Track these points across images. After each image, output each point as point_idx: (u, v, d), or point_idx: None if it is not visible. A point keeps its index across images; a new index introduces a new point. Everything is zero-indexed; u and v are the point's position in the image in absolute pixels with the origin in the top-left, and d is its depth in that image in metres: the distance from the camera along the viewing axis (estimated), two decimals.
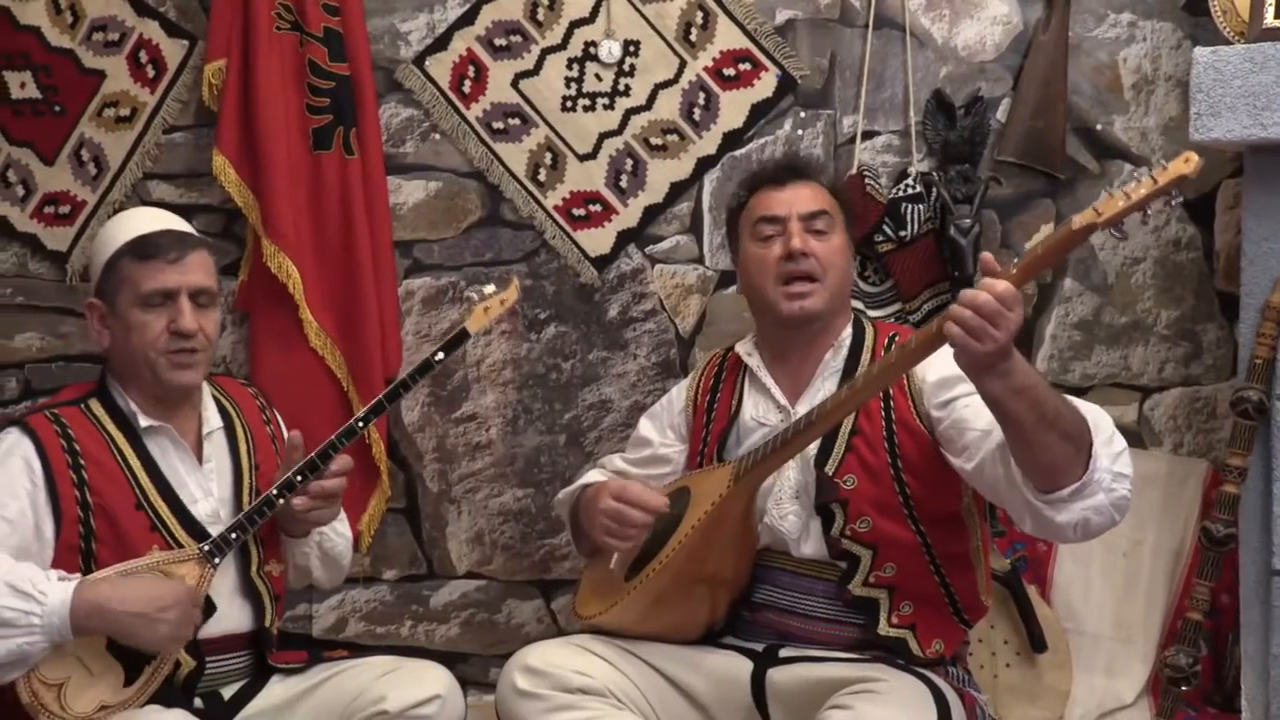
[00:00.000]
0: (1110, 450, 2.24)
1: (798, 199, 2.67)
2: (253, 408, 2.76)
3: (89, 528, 2.43)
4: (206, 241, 2.68)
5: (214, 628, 2.51)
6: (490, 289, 2.76)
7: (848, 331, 2.70)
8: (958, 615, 2.59)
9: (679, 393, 2.92)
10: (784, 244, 2.63)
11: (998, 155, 3.38)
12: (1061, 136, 3.36)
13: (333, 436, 2.56)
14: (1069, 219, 2.08)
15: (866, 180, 3.31)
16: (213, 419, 2.65)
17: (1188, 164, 2.00)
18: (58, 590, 2.29)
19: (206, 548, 2.47)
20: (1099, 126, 3.40)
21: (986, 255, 2.13)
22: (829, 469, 2.54)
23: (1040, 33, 3.37)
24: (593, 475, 2.93)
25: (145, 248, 2.53)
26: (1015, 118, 3.38)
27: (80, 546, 2.43)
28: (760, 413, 2.71)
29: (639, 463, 2.88)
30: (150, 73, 3.47)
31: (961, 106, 3.36)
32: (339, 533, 2.83)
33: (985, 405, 2.21)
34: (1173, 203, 2.06)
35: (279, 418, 2.84)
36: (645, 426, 2.94)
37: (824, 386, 2.62)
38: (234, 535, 2.49)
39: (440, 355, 2.67)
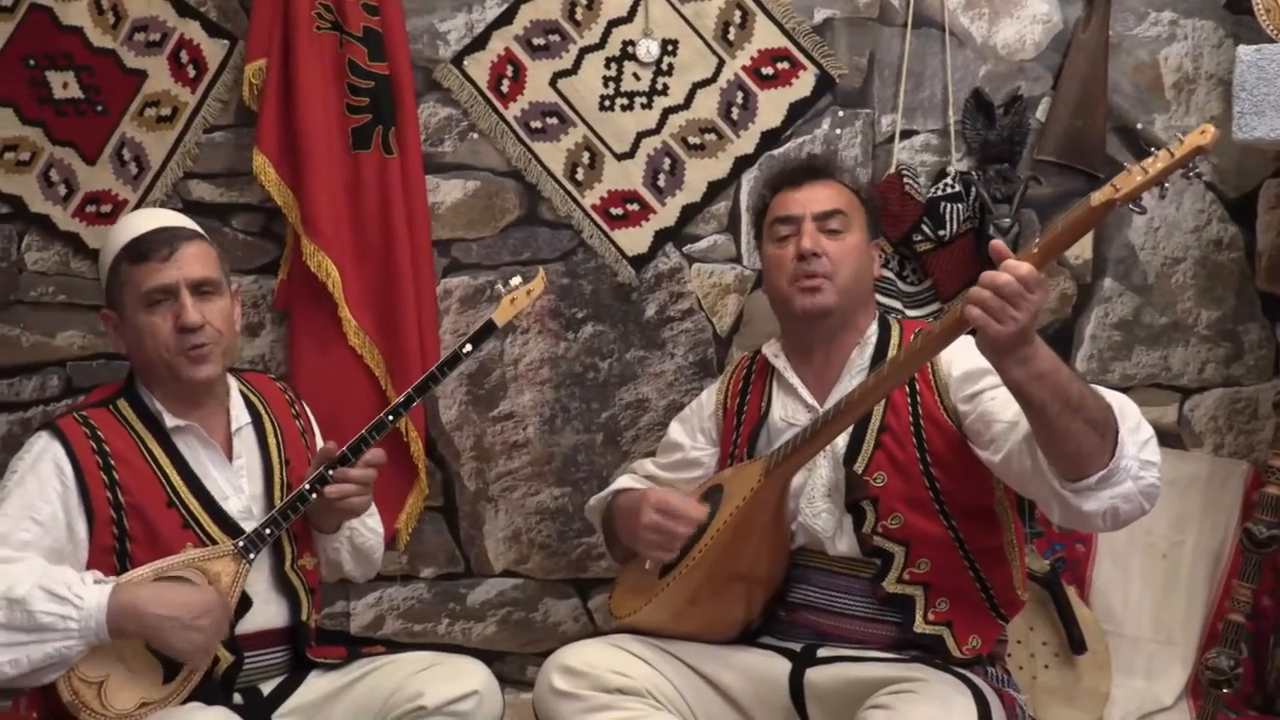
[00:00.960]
0: (1137, 438, 2.22)
1: (813, 199, 2.69)
2: (281, 402, 2.78)
3: (122, 528, 2.45)
4: (200, 233, 2.66)
5: (250, 623, 2.53)
6: (517, 281, 2.76)
7: (873, 329, 2.71)
8: (994, 610, 2.59)
9: (708, 396, 2.93)
10: (797, 244, 2.65)
11: (1037, 155, 3.37)
12: (1102, 136, 3.34)
13: (363, 430, 2.57)
14: (1087, 196, 2.07)
15: (905, 180, 3.30)
16: (240, 415, 2.66)
17: (1204, 136, 1.99)
18: (94, 594, 2.31)
19: (241, 544, 2.48)
20: (1139, 126, 3.38)
21: (996, 242, 2.12)
22: (858, 466, 2.55)
23: (1080, 31, 3.36)
24: (624, 481, 2.94)
25: (138, 248, 2.53)
26: (1055, 117, 3.36)
27: (115, 547, 2.45)
28: (789, 413, 2.72)
29: (670, 467, 2.89)
30: (191, 72, 3.49)
31: (1001, 105, 3.35)
32: (370, 527, 2.84)
33: (1010, 395, 2.20)
34: (1191, 175, 2.04)
35: (308, 411, 2.85)
36: (676, 431, 2.95)
37: (851, 384, 2.61)
38: (268, 531, 2.51)
39: (468, 348, 2.67)
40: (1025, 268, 2.04)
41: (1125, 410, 2.25)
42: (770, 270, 2.75)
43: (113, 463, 2.47)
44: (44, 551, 2.38)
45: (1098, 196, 2.04)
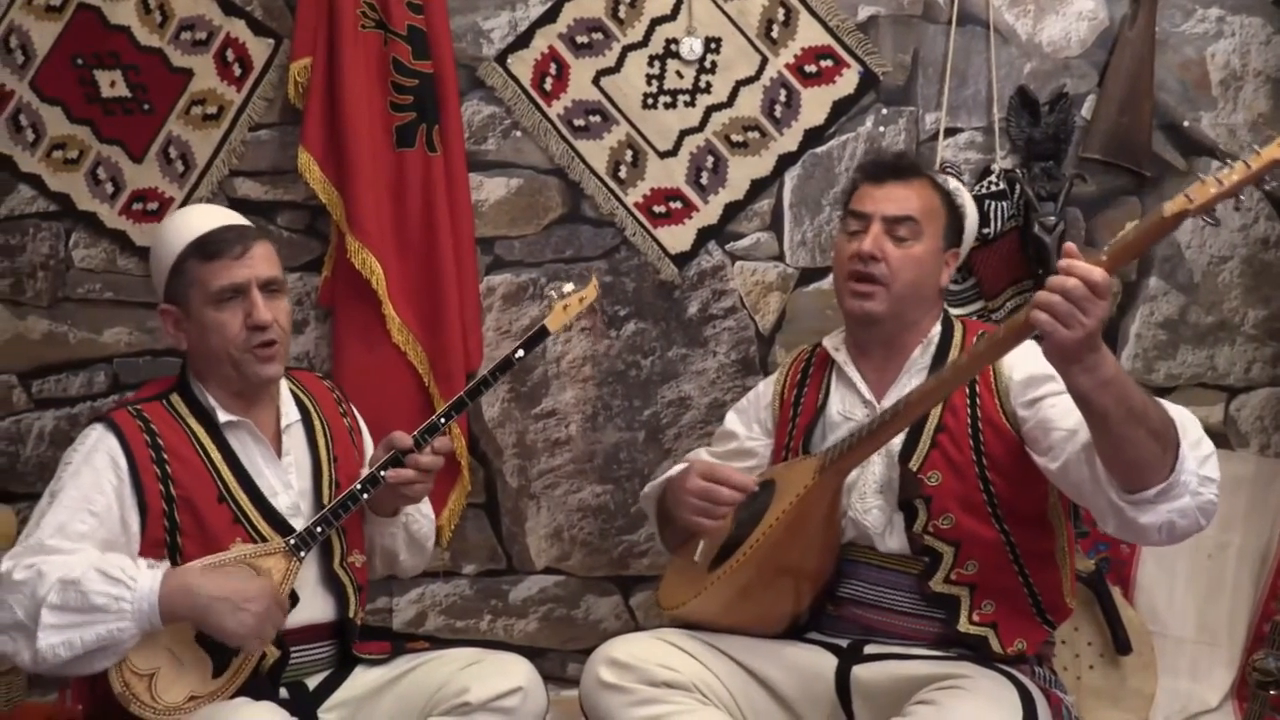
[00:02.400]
0: (1198, 453, 2.20)
1: (888, 200, 2.64)
2: (329, 401, 2.78)
3: (173, 521, 2.45)
4: (267, 232, 2.69)
5: (297, 618, 2.53)
6: (570, 287, 2.76)
7: (936, 329, 2.68)
8: (1041, 616, 2.56)
9: (766, 387, 2.91)
10: (859, 243, 2.62)
11: (1083, 152, 3.35)
12: (1148, 133, 3.33)
13: (416, 432, 2.57)
14: (1160, 206, 2.03)
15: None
16: (290, 412, 2.67)
17: None
18: (147, 577, 2.32)
19: (292, 542, 2.49)
20: (1186, 123, 3.36)
21: (1069, 245, 2.08)
22: (914, 465, 2.53)
23: (1127, 28, 3.34)
24: (678, 469, 2.93)
25: (209, 246, 2.53)
26: (1101, 114, 3.35)
27: (165, 540, 2.45)
28: (846, 407, 2.70)
29: (724, 456, 2.88)
30: (237, 71, 3.51)
31: (1046, 103, 3.34)
32: (424, 514, 2.85)
33: (1072, 403, 2.18)
34: (1266, 187, 2.02)
35: (355, 411, 2.86)
36: (731, 420, 2.93)
37: (911, 383, 2.60)
38: (319, 530, 2.52)
39: (520, 353, 2.68)
40: (1097, 272, 2.00)
41: (1187, 425, 2.22)
42: (835, 260, 2.73)
43: (165, 456, 2.48)
44: (99, 543, 2.39)
45: (1170, 207, 2.00)
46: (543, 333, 2.71)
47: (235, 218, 2.65)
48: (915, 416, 2.45)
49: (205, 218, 2.62)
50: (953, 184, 3.05)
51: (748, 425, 2.88)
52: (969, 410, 2.54)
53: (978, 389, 2.54)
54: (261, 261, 2.54)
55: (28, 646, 2.29)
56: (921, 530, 2.51)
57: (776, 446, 2.80)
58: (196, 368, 2.61)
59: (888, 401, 2.59)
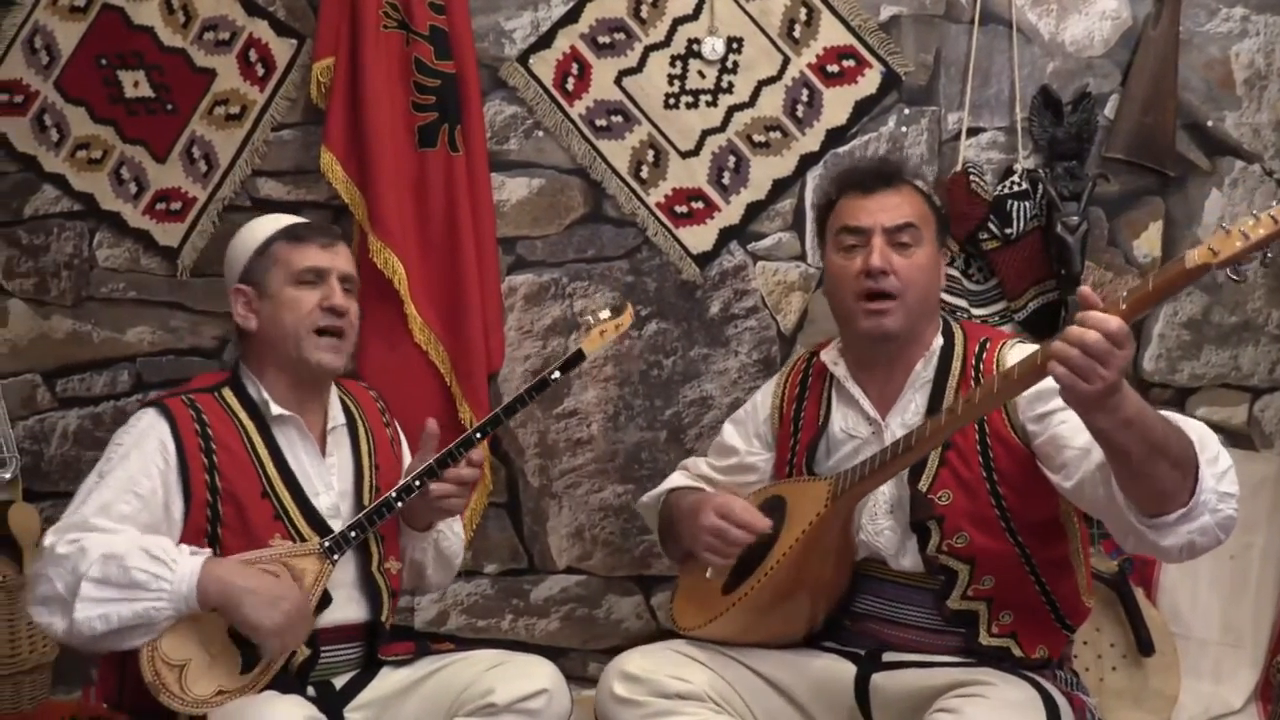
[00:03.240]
0: (1215, 469, 2.15)
1: (883, 210, 2.59)
2: (374, 410, 2.81)
3: (215, 512, 2.47)
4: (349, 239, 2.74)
5: (329, 618, 2.54)
6: (606, 314, 2.77)
7: (938, 341, 2.63)
8: (1060, 621, 2.54)
9: (763, 399, 2.87)
10: (865, 259, 2.56)
11: (1106, 152, 3.35)
12: (1171, 133, 3.32)
13: (450, 446, 2.59)
14: (1182, 255, 1.96)
15: (971, 177, 3.29)
16: (337, 415, 2.70)
17: None
18: (188, 560, 2.34)
19: (327, 544, 2.50)
20: (1210, 123, 3.35)
21: (1085, 290, 2.02)
22: (923, 485, 2.50)
23: (1150, 27, 3.33)
24: (676, 478, 2.91)
25: (299, 230, 2.66)
26: (1124, 114, 3.34)
27: (207, 530, 2.47)
28: (849, 424, 2.66)
29: (726, 470, 2.86)
30: (260, 71, 3.52)
31: (1069, 103, 3.33)
32: (455, 532, 2.87)
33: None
34: None
35: (398, 424, 2.88)
36: (730, 434, 2.89)
37: (914, 398, 2.58)
38: (353, 534, 2.53)
39: (556, 374, 2.70)
40: (1115, 323, 1.93)
41: (1205, 441, 2.17)
42: (834, 280, 2.65)
43: (214, 447, 2.50)
44: (141, 526, 2.41)
45: (1193, 257, 1.94)
46: (579, 356, 2.75)
47: None
48: (927, 450, 2.42)
49: (292, 219, 2.74)
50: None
51: (747, 440, 2.85)
52: (977, 427, 2.48)
53: None
54: (344, 258, 2.67)
55: (64, 618, 2.31)
56: (936, 550, 2.48)
57: (779, 462, 2.77)
58: (256, 355, 2.64)
59: (892, 417, 2.57)
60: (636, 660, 2.55)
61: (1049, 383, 2.22)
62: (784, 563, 2.48)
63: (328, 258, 2.61)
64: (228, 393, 2.61)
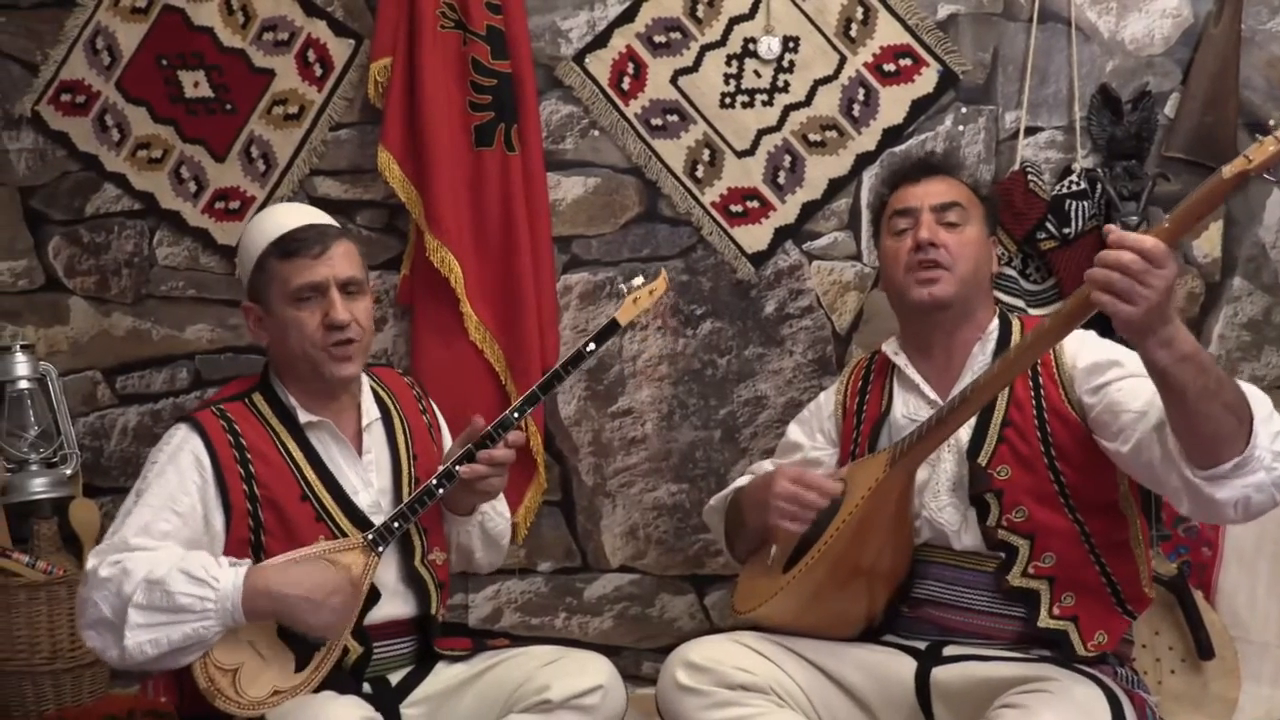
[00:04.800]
0: (1270, 429, 2.15)
1: (930, 192, 2.67)
2: (409, 398, 2.80)
3: (257, 520, 2.48)
4: (348, 231, 2.71)
5: (379, 614, 2.55)
6: (639, 281, 2.76)
7: (994, 325, 2.67)
8: (1121, 606, 2.53)
9: (827, 397, 2.91)
10: (914, 235, 2.63)
11: (1165, 151, 3.32)
12: (1233, 132, 3.28)
13: (489, 427, 2.58)
14: (1219, 168, 1.99)
15: (1029, 177, 3.26)
16: (371, 410, 2.69)
17: None
18: (229, 575, 2.35)
19: (370, 537, 2.51)
20: (1272, 121, 3.26)
21: (1110, 226, 2.05)
22: (982, 460, 2.52)
23: (1211, 26, 3.30)
24: (743, 480, 2.93)
25: (288, 245, 2.54)
26: (1184, 113, 3.31)
27: (250, 539, 2.48)
28: (911, 410, 2.69)
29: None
30: (318, 71, 3.55)
31: (1128, 101, 3.30)
32: (500, 512, 2.86)
33: (1139, 386, 2.17)
34: None
35: (435, 407, 2.88)
36: (794, 431, 2.92)
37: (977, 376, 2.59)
38: (395, 525, 2.53)
39: (592, 346, 2.67)
40: (1148, 241, 1.95)
41: (1257, 399, 2.18)
42: (887, 263, 2.73)
43: (249, 456, 2.51)
44: (182, 542, 2.42)
45: (1229, 169, 1.97)
46: (613, 326, 2.70)
47: (319, 216, 2.67)
48: (982, 402, 2.43)
49: (289, 216, 2.64)
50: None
51: (810, 436, 2.88)
52: (1034, 402, 2.52)
53: (1041, 380, 2.53)
54: (341, 261, 2.56)
55: (115, 644, 2.32)
56: (995, 524, 2.50)
57: (842, 454, 2.79)
58: (277, 366, 2.63)
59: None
60: (701, 649, 2.55)
61: (1104, 355, 2.23)
62: (841, 533, 2.48)
63: (323, 269, 2.52)
64: (258, 398, 2.60)
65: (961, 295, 2.61)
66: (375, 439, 2.67)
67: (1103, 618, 2.50)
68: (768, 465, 2.94)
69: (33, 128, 3.65)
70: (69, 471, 3.61)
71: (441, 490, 2.56)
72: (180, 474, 2.46)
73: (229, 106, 3.58)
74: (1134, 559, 2.57)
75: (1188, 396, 2.07)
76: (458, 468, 2.55)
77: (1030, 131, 3.39)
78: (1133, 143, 3.28)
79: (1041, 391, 2.53)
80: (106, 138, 3.62)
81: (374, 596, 2.53)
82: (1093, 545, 2.50)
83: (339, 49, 3.55)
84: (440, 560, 2.69)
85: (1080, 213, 3.25)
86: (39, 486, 3.55)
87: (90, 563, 2.38)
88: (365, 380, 2.71)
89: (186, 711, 2.53)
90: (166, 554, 2.36)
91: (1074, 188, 3.27)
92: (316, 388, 2.59)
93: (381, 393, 2.74)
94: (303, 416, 2.57)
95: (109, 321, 3.67)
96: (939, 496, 2.57)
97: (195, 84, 3.58)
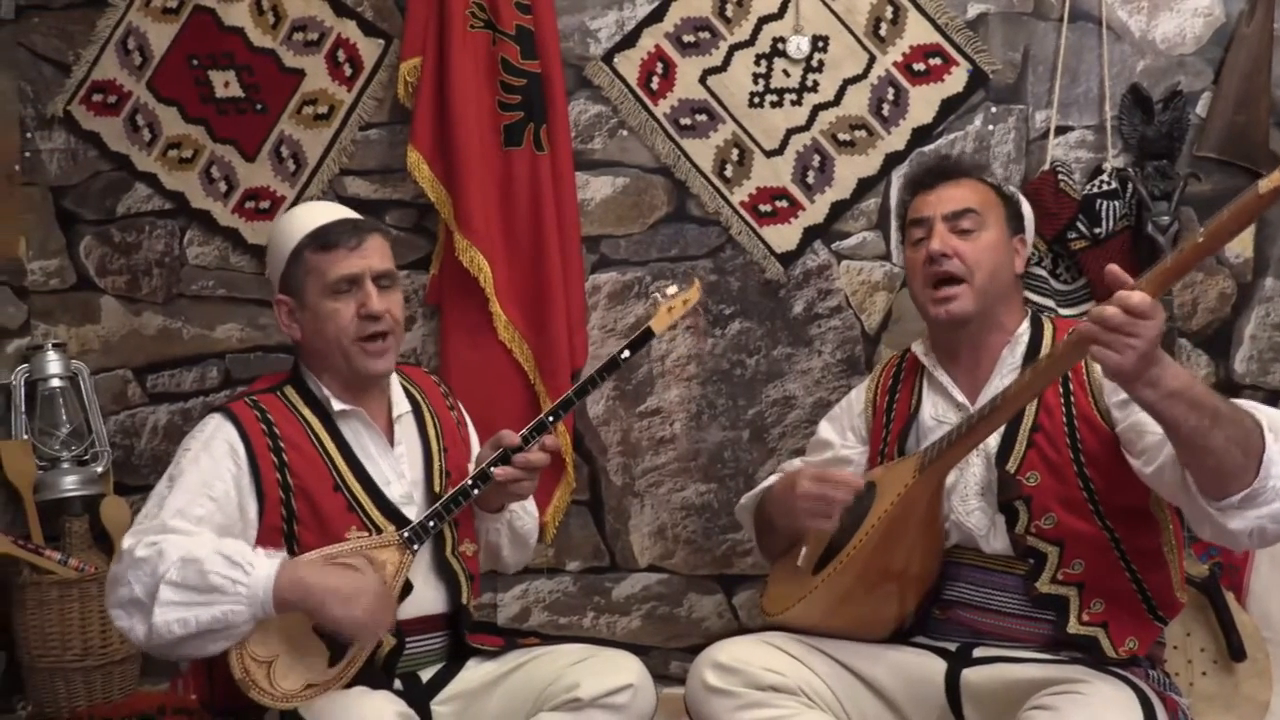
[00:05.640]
0: None
1: (942, 200, 2.65)
2: (437, 394, 2.82)
3: (290, 509, 2.49)
4: (380, 226, 2.73)
5: (411, 608, 2.56)
6: (673, 289, 2.76)
7: (1024, 327, 2.66)
8: (1152, 612, 2.52)
9: (858, 395, 2.90)
10: (927, 246, 2.62)
11: (1197, 151, 3.31)
12: (1265, 131, 3.27)
13: (524, 430, 2.59)
14: (1254, 184, 1.97)
15: (1060, 177, 3.26)
16: (401, 403, 2.70)
17: None
18: (264, 564, 2.35)
19: (406, 535, 2.52)
20: None
21: (1111, 268, 2.08)
22: (1010, 466, 2.51)
23: (1244, 25, 3.29)
24: (773, 480, 2.92)
25: (325, 237, 2.57)
26: (1216, 112, 3.30)
27: (283, 528, 2.49)
28: (939, 412, 2.68)
29: (820, 465, 2.85)
30: (347, 71, 3.56)
31: (1160, 101, 3.29)
32: (528, 511, 2.87)
33: None
34: None
35: (461, 405, 2.89)
36: (825, 429, 2.92)
37: (1003, 383, 2.57)
38: (431, 524, 2.54)
39: (626, 353, 2.68)
40: (1135, 297, 2.00)
41: (1275, 424, 2.17)
42: (908, 273, 2.74)
43: (282, 445, 2.52)
44: (216, 527, 2.42)
45: (1265, 184, 1.95)
46: (648, 334, 2.72)
47: (351, 213, 2.69)
48: (1011, 413, 2.43)
49: (322, 212, 2.67)
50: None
51: (841, 434, 2.87)
52: (1064, 409, 2.51)
53: (1071, 387, 2.52)
54: (375, 254, 2.58)
55: (143, 622, 2.32)
56: (1024, 531, 2.49)
57: (871, 453, 2.79)
58: (309, 359, 2.64)
59: (981, 402, 2.57)
60: (730, 650, 2.55)
61: None
62: (871, 536, 2.48)
63: (359, 261, 2.55)
64: (290, 390, 2.62)
65: (981, 305, 2.60)
66: (406, 431, 2.68)
67: (1133, 624, 2.49)
68: (797, 464, 2.95)
69: (65, 128, 3.67)
70: (100, 469, 3.63)
71: (476, 491, 2.57)
72: (215, 460, 2.47)
73: (259, 106, 3.59)
74: (1166, 565, 2.55)
75: (1181, 432, 2.11)
76: (493, 469, 2.56)
77: (1061, 131, 3.38)
78: (1164, 142, 3.26)
79: (1071, 398, 2.52)
80: (138, 138, 3.64)
81: (406, 589, 2.54)
82: (1123, 552, 2.49)
83: (369, 49, 3.56)
84: (470, 552, 2.70)
85: (1111, 212, 3.24)
86: (70, 484, 3.57)
87: (127, 542, 2.38)
88: (394, 377, 2.72)
89: (217, 705, 2.54)
90: (203, 538, 2.37)
91: (1105, 187, 3.26)
92: (349, 380, 2.61)
93: (410, 388, 2.75)
94: (336, 405, 2.59)
95: (140, 320, 3.69)
96: (967, 501, 2.57)
97: (226, 84, 3.60)
